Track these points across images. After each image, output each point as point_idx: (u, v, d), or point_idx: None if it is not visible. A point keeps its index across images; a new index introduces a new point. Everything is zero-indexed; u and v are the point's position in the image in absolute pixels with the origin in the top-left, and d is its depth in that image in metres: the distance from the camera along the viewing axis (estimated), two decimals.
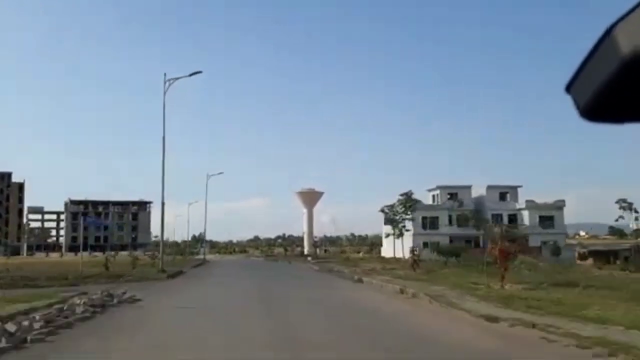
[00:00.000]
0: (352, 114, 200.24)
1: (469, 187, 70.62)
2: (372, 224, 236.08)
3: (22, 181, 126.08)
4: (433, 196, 72.30)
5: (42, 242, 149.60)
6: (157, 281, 22.81)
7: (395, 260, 48.30)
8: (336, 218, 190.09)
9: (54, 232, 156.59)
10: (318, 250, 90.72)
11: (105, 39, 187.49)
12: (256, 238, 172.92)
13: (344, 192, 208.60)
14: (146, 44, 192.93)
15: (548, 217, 68.53)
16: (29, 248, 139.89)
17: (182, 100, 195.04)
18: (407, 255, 67.41)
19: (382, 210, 63.58)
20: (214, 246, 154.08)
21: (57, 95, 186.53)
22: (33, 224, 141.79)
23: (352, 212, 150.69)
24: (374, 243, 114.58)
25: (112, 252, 54.03)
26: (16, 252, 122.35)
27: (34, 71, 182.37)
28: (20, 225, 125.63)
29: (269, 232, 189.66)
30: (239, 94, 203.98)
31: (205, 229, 54.06)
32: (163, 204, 24.02)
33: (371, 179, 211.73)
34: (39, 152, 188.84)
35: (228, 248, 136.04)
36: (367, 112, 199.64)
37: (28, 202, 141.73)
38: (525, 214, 69.24)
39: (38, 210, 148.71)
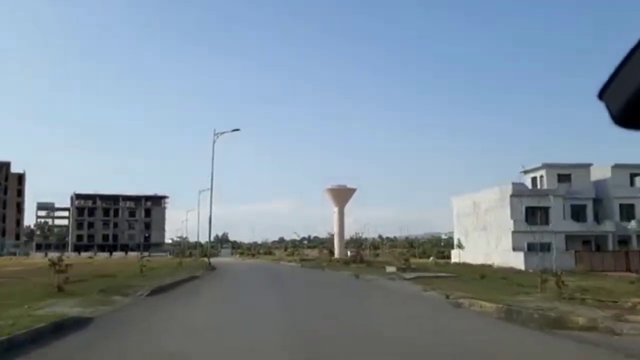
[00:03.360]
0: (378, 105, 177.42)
1: (586, 166, 47.13)
2: (404, 225, 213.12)
3: (22, 172, 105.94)
4: (533, 179, 49.08)
5: (52, 242, 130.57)
6: None
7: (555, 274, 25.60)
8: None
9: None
10: (349, 252, 72.41)
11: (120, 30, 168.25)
12: (281, 239, 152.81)
13: (371, 193, 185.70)
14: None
15: None
16: (38, 247, 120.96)
17: (196, 96, 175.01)
18: (500, 261, 44.47)
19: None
20: (238, 247, 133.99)
21: (61, 82, 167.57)
22: (35, 222, 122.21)
23: (376, 213, 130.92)
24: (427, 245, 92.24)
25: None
26: (12, 251, 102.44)
27: (38, 59, 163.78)
28: (19, 221, 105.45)
29: (294, 234, 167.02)
30: (256, 92, 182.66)
31: (210, 214, 32.12)
32: None
33: (400, 180, 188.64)
34: (45, 143, 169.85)
35: (252, 249, 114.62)
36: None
37: (36, 198, 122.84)
38: None
39: (48, 206, 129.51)
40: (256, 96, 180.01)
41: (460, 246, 37.49)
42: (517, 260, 40.86)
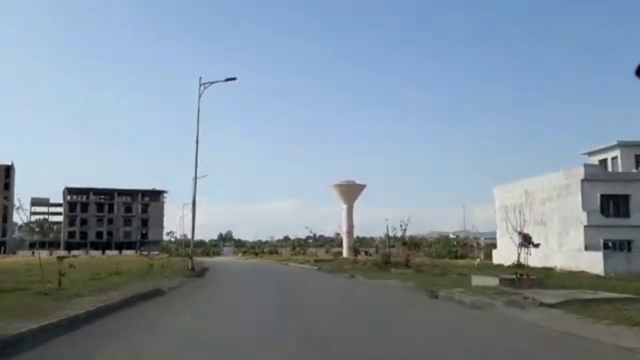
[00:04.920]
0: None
1: None
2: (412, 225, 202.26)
3: (9, 164, 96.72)
4: (602, 162, 39.23)
5: (48, 239, 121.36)
6: None
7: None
8: None
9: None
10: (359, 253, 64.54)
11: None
12: (286, 238, 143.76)
13: (373, 191, 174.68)
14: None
15: None
16: (32, 245, 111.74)
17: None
18: (564, 263, 34.48)
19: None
20: (242, 245, 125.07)
21: (55, 72, 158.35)
22: (28, 219, 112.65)
23: (378, 212, 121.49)
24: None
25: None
26: None
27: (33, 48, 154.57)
28: (5, 217, 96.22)
29: (298, 233, 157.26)
30: (267, 94, 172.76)
31: (194, 195, 22.41)
32: None
33: (403, 179, 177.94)
34: (39, 137, 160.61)
35: (255, 248, 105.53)
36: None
37: (32, 193, 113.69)
38: None
39: (43, 202, 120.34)
40: (256, 94, 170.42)
41: (534, 244, 26.15)
42: (592, 262, 30.90)
